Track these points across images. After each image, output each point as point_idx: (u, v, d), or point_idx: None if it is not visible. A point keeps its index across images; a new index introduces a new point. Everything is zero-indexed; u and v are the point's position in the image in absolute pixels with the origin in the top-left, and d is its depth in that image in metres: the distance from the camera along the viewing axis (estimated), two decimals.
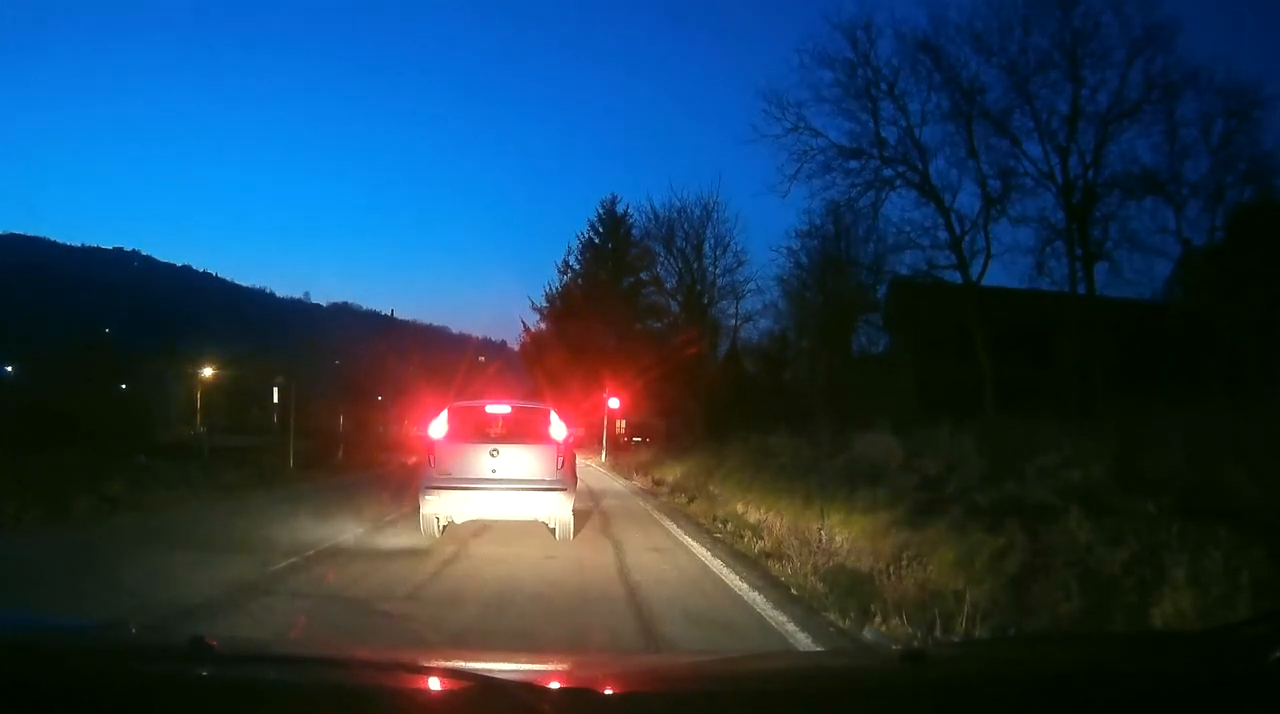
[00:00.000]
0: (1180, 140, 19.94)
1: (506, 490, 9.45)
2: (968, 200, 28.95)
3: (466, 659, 2.04)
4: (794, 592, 6.88)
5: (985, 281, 21.88)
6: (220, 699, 1.50)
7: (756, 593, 6.86)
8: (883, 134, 21.86)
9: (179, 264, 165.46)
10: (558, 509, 9.55)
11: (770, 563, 8.27)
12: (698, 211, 34.96)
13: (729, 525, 11.42)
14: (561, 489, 9.51)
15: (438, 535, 9.73)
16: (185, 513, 12.97)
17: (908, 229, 22.92)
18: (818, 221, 27.39)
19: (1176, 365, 17.22)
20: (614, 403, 35.37)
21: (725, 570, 7.99)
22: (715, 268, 35.25)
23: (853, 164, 22.17)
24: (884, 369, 26.51)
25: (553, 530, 9.74)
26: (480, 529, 10.34)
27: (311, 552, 8.55)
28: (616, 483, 22.59)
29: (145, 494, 14.05)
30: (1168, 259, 21.01)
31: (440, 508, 9.64)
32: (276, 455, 25.72)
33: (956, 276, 22.00)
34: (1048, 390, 18.42)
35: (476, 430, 10.15)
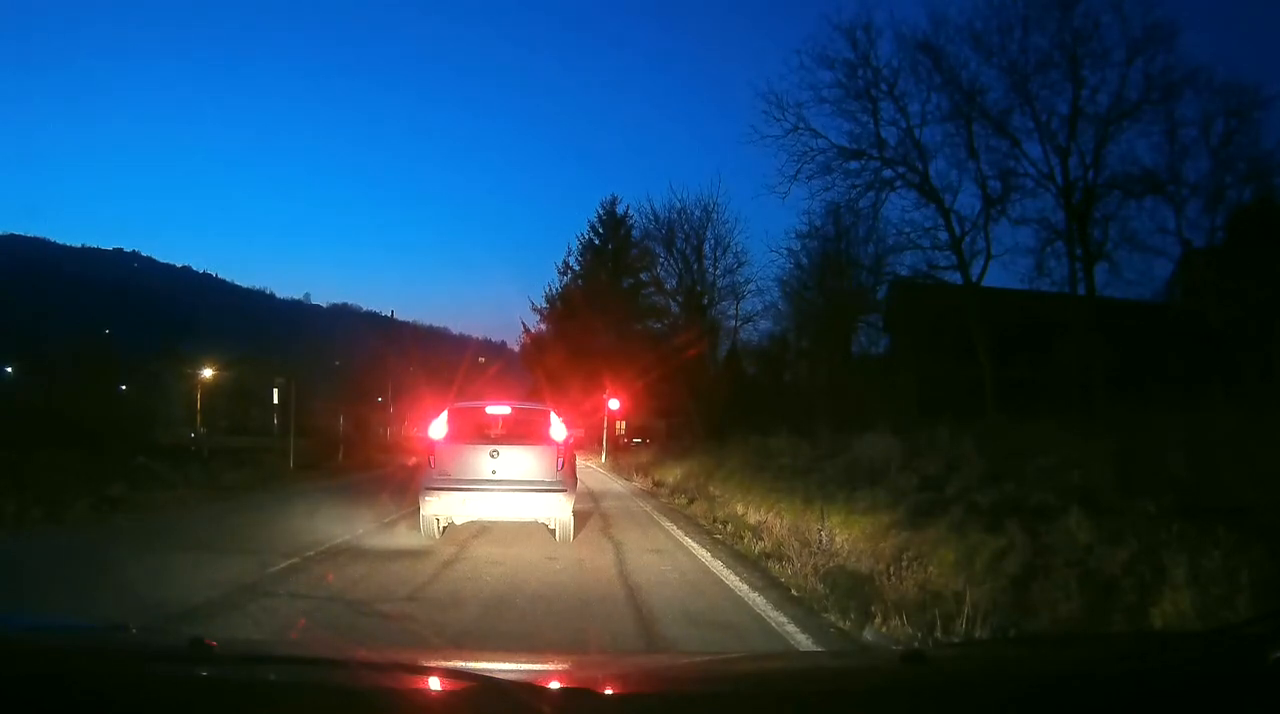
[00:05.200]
0: (1180, 140, 19.95)
1: (506, 491, 9.44)
2: (968, 201, 29.05)
3: (466, 659, 2.04)
4: (794, 593, 6.87)
5: (985, 282, 21.87)
6: (220, 700, 1.50)
7: (757, 594, 6.85)
8: (883, 135, 21.86)
9: (179, 265, 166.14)
10: (558, 510, 9.54)
11: (770, 564, 8.27)
12: (697, 212, 34.95)
13: (729, 527, 11.42)
14: (562, 490, 9.50)
15: (438, 536, 9.72)
16: (185, 514, 12.97)
17: (908, 230, 22.91)
18: (818, 222, 27.43)
19: (1176, 366, 17.21)
20: (614, 404, 35.39)
21: (725, 571, 7.99)
22: (715, 269, 35.24)
23: (853, 165, 22.16)
24: (884, 370, 26.50)
25: (553, 532, 9.73)
26: (480, 530, 10.34)
27: (311, 553, 8.54)
28: (616, 484, 22.58)
29: (145, 495, 14.06)
30: (1168, 259, 21.04)
31: (440, 509, 9.63)
32: (276, 456, 25.74)
33: (957, 277, 22.00)
34: (1048, 391, 18.41)
35: (476, 431, 10.14)
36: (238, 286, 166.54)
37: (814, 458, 15.18)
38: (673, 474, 21.48)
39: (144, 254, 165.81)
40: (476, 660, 2.07)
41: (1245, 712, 1.45)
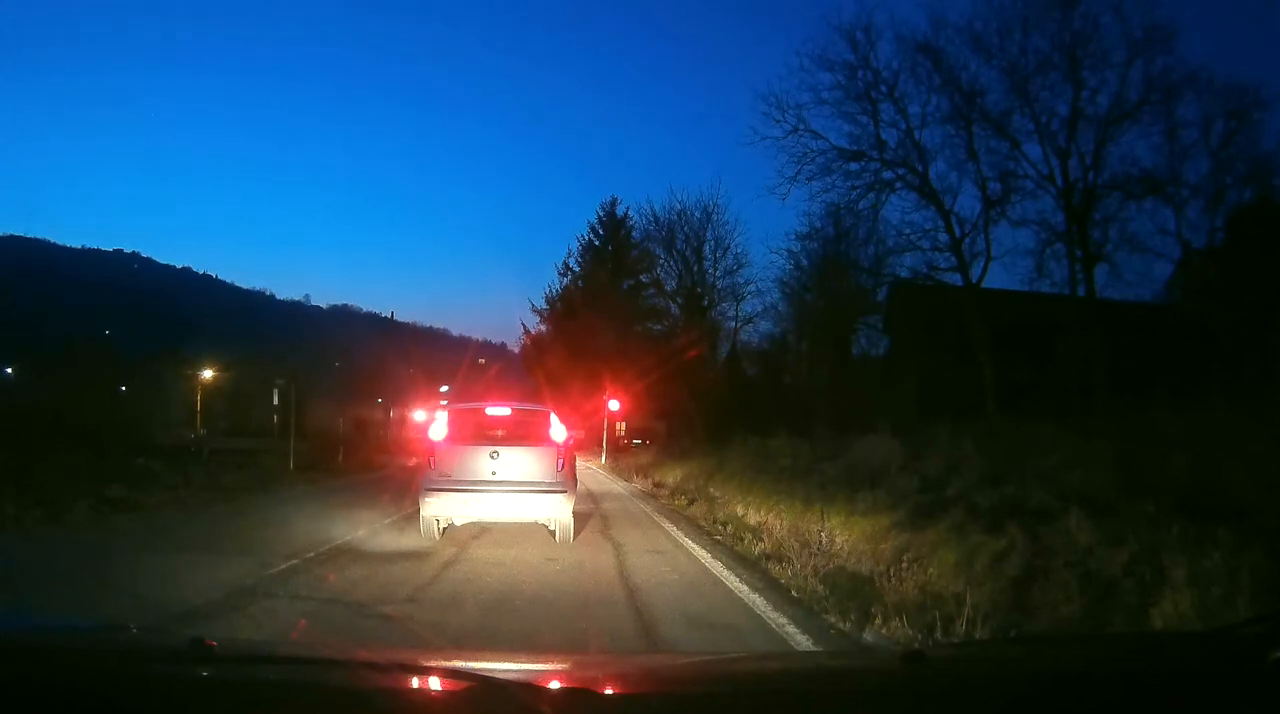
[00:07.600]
0: (1180, 142, 19.96)
1: (506, 492, 9.43)
2: (968, 202, 29.04)
3: (466, 660, 2.04)
4: (794, 594, 6.87)
5: (985, 284, 21.90)
6: (219, 699, 1.50)
7: (757, 595, 6.85)
8: (883, 136, 21.88)
9: (179, 266, 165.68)
10: (558, 511, 9.54)
11: (770, 565, 8.26)
12: (698, 214, 35.05)
13: (729, 528, 11.41)
14: (562, 491, 9.50)
15: (438, 537, 9.72)
16: (185, 515, 12.96)
17: (908, 231, 22.93)
18: (818, 224, 27.48)
19: (1176, 367, 17.21)
20: (614, 405, 35.37)
21: (725, 573, 7.98)
22: (715, 270, 35.34)
23: (853, 166, 22.18)
24: (884, 371, 26.50)
25: (553, 533, 9.72)
26: (480, 531, 10.33)
27: (311, 554, 8.54)
28: (616, 485, 22.56)
29: (145, 496, 14.04)
30: (1168, 261, 21.04)
31: (440, 510, 9.63)
32: (276, 458, 25.70)
33: (957, 279, 22.01)
34: (1048, 392, 18.42)
35: (476, 432, 10.13)
36: (238, 287, 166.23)
37: (814, 459, 15.19)
38: (673, 475, 21.48)
39: (144, 255, 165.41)
40: (477, 661, 2.07)
41: (1244, 712, 1.45)
